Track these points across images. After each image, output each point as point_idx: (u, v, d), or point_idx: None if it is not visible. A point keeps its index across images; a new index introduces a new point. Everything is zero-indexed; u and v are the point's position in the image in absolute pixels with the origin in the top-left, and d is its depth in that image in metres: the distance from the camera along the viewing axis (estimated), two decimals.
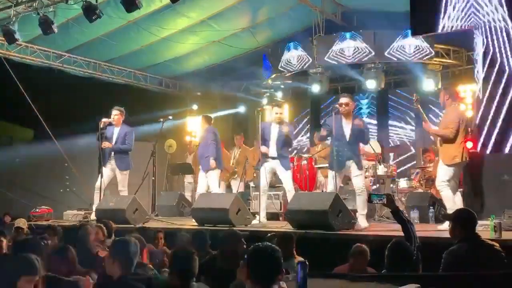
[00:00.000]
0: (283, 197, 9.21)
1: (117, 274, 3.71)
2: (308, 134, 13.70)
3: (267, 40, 12.55)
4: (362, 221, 7.00)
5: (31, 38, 10.55)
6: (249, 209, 8.53)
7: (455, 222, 4.45)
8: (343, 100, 7.29)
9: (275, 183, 9.39)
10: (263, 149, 7.91)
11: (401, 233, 4.64)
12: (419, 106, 7.12)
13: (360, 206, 7.11)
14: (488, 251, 4.23)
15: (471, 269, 3.98)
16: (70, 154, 10.77)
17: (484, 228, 5.73)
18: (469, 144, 7.76)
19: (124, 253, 3.78)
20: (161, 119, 9.64)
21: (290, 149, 8.43)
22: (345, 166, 7.25)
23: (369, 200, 5.16)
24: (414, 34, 9.53)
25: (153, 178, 9.74)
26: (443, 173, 6.77)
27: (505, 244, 5.00)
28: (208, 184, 8.83)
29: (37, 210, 9.68)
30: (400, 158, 12.51)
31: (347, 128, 7.25)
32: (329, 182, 7.38)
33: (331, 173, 7.33)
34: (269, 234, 5.60)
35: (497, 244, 4.33)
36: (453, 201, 6.59)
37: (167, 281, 3.90)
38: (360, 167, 7.27)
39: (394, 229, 5.56)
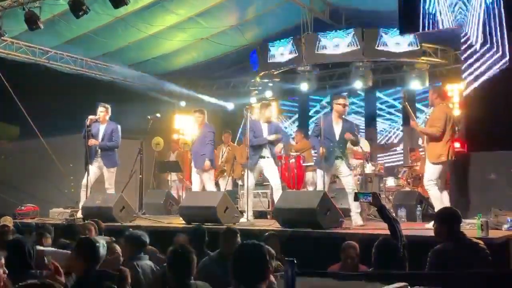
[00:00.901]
0: (271, 195, 9.20)
1: (80, 269, 3.79)
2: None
3: (255, 37, 12.52)
4: (357, 219, 7.06)
5: (17, 33, 10.41)
6: (237, 207, 8.51)
7: (440, 221, 4.46)
8: (343, 100, 7.44)
9: (263, 181, 9.38)
10: (271, 137, 7.89)
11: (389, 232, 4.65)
12: (406, 103, 7.17)
13: (353, 205, 7.13)
14: (473, 249, 4.25)
15: (457, 267, 4.00)
16: (56, 152, 10.66)
17: (471, 227, 5.77)
18: (457, 144, 7.81)
19: (89, 251, 3.86)
20: (149, 117, 9.58)
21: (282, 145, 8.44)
22: (333, 165, 7.32)
23: (355, 199, 5.20)
24: (402, 32, 9.55)
25: (140, 176, 9.68)
26: (430, 172, 6.81)
27: (492, 242, 5.06)
28: (203, 183, 8.64)
29: (23, 208, 9.57)
30: (387, 157, 12.57)
31: (337, 127, 7.34)
32: (318, 181, 7.41)
33: (319, 172, 7.36)
34: (267, 233, 5.61)
35: (482, 242, 4.35)
36: (440, 201, 6.62)
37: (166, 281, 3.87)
38: (350, 166, 7.33)
39: (382, 228, 5.57)
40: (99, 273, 3.80)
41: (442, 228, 4.38)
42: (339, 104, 7.39)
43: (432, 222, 4.92)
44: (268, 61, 11.89)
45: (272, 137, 7.92)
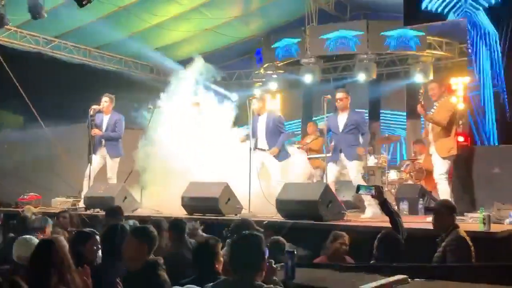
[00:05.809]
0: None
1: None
2: (300, 125, 13.64)
3: (260, 29, 12.48)
4: (368, 211, 7.07)
5: (20, 22, 10.39)
6: None
7: (443, 211, 4.50)
8: (338, 95, 7.58)
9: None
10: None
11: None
12: (421, 100, 7.15)
13: (365, 196, 7.11)
14: (464, 242, 4.42)
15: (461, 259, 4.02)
16: (59, 141, 10.66)
17: (473, 221, 5.75)
18: (460, 138, 7.80)
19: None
20: (150, 106, 9.54)
21: (284, 138, 8.39)
22: (339, 158, 7.43)
23: (357, 191, 5.14)
24: (407, 24, 9.48)
25: None
26: (441, 166, 6.77)
27: (494, 237, 5.05)
28: None
29: (25, 196, 9.59)
30: (390, 150, 12.52)
31: (340, 121, 7.51)
32: (329, 173, 7.48)
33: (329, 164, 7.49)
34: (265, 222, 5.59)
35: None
36: (449, 195, 6.57)
37: None
38: (352, 158, 7.35)
39: (385, 220, 5.56)
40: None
41: (446, 219, 4.46)
42: (335, 100, 7.58)
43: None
44: (272, 53, 11.85)
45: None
